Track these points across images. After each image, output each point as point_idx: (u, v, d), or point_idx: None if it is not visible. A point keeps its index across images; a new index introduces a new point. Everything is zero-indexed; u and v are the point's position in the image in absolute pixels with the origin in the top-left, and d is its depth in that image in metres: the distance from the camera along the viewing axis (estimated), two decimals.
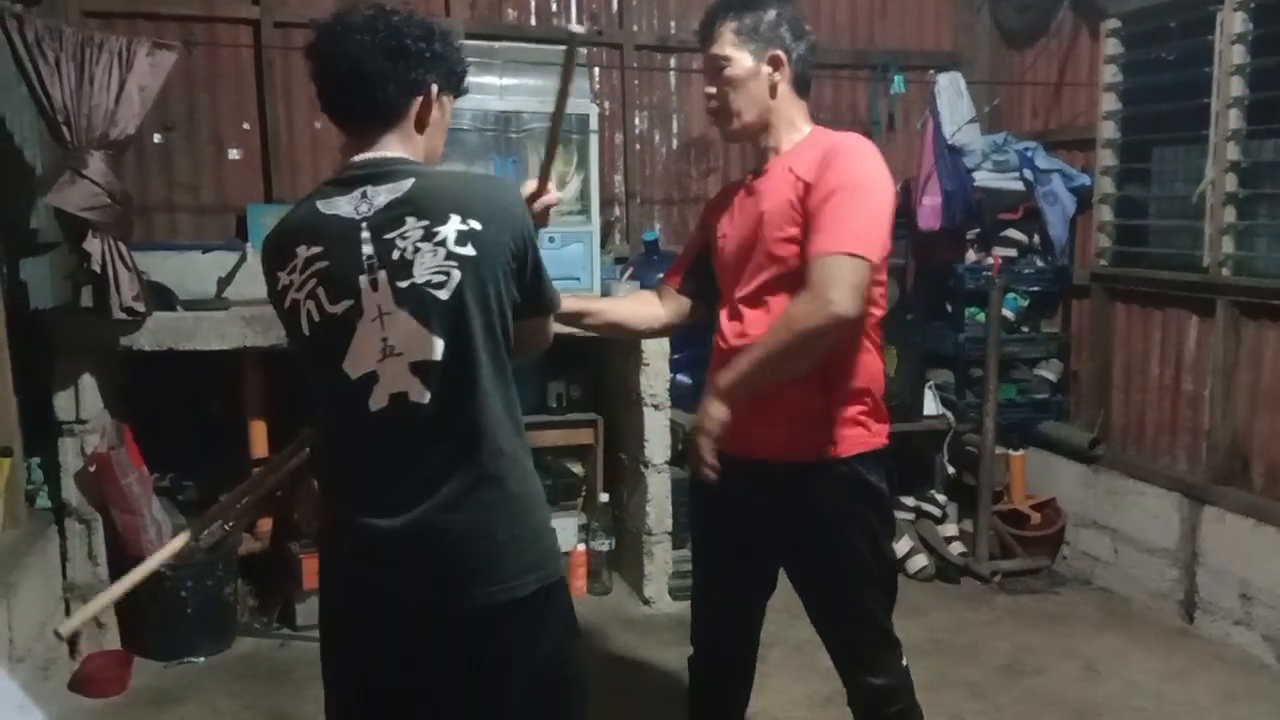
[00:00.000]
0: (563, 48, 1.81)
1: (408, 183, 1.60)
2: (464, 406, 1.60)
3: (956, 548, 4.18)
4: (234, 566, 3.52)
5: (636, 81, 4.47)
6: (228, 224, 3.99)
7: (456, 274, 1.56)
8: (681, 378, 4.08)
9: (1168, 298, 3.88)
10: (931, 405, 4.34)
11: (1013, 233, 4.45)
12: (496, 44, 3.88)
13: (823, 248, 1.90)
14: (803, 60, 2.11)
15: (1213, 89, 3.57)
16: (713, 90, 2.12)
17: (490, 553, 1.62)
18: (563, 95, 1.83)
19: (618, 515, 4.03)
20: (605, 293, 3.64)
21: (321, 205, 1.62)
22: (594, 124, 3.74)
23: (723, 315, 2.19)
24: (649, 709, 3.12)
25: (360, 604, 1.68)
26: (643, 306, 2.38)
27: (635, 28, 4.43)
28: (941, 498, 4.34)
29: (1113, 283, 4.15)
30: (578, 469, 3.99)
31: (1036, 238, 4.42)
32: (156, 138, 3.89)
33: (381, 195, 1.59)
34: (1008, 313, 4.30)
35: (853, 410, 2.05)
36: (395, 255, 1.56)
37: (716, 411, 1.95)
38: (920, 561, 4.13)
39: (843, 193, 1.93)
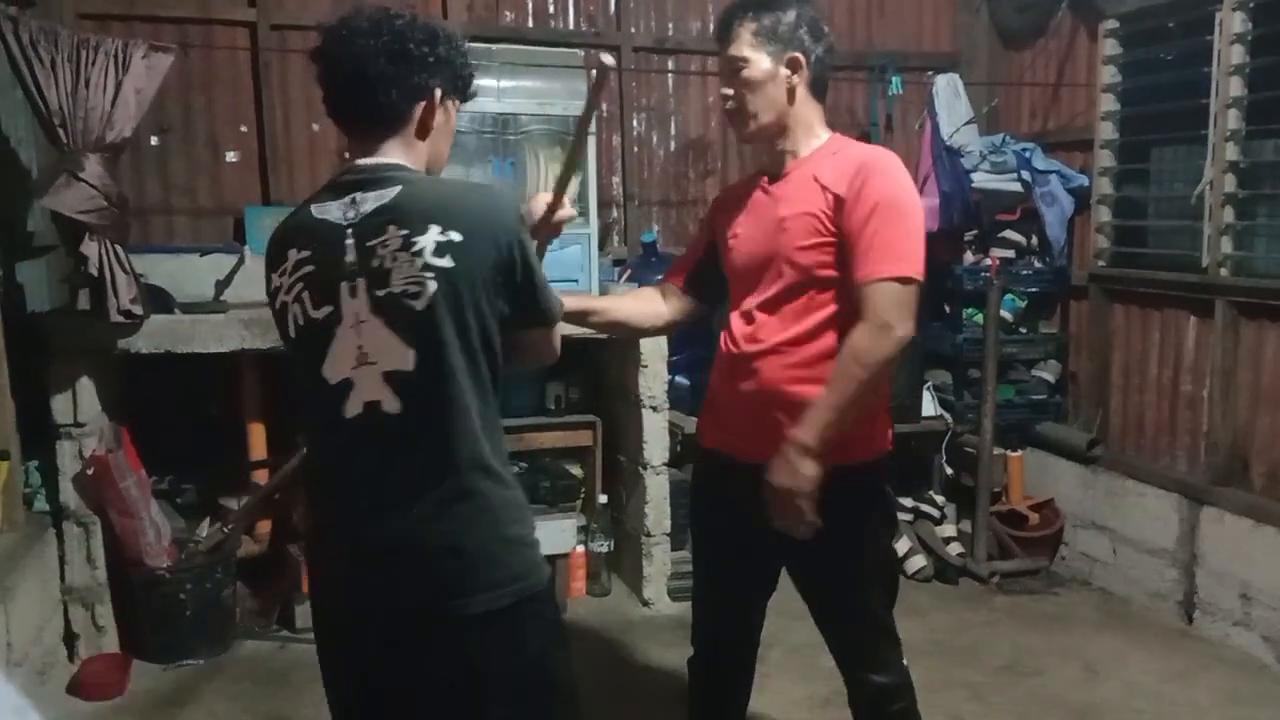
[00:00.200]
0: (578, 64, 1.83)
1: (394, 190, 1.59)
2: (436, 418, 1.58)
3: (955, 549, 4.18)
4: (233, 569, 3.51)
5: (634, 83, 4.47)
6: (225, 226, 3.98)
7: (432, 285, 1.54)
8: (680, 379, 4.08)
9: (1166, 298, 3.88)
10: (930, 406, 4.34)
11: (1011, 234, 4.45)
12: (494, 46, 3.87)
13: (872, 273, 1.93)
14: (821, 62, 2.09)
15: (1212, 89, 3.57)
16: (730, 92, 2.09)
17: (463, 566, 1.60)
18: (586, 120, 1.86)
19: (616, 517, 4.03)
20: (603, 294, 3.64)
21: (315, 209, 1.63)
22: (592, 126, 3.73)
23: (734, 318, 2.16)
24: (648, 710, 3.12)
25: (343, 605, 1.70)
26: (646, 304, 2.36)
27: (633, 30, 4.43)
28: (940, 499, 4.34)
29: (1111, 283, 4.15)
30: (576, 471, 3.98)
31: (1034, 239, 4.42)
32: (153, 140, 3.88)
33: (369, 202, 1.59)
34: (1006, 314, 4.30)
35: (860, 417, 2.03)
36: (375, 263, 1.56)
37: (809, 470, 1.92)
38: (919, 562, 4.12)
39: (883, 214, 1.95)
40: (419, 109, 1.65)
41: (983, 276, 4.19)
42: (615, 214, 4.46)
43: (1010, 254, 4.42)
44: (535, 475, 3.82)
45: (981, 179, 4.30)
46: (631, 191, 4.49)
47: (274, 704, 3.07)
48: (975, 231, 4.44)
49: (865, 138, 4.33)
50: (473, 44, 3.48)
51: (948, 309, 4.50)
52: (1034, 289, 4.39)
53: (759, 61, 2.05)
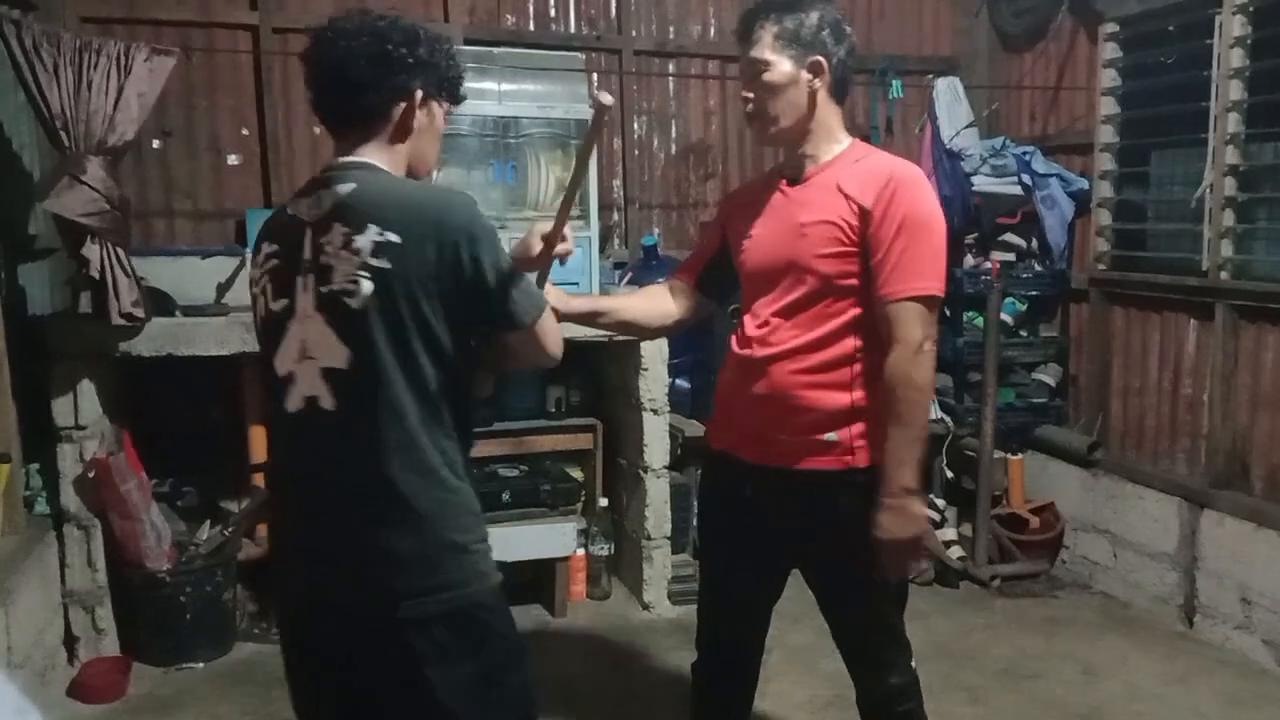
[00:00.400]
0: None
1: (348, 188, 1.61)
2: (369, 418, 1.58)
3: (955, 552, 4.18)
4: (233, 572, 3.51)
5: (635, 86, 4.48)
6: (227, 229, 3.99)
7: (367, 285, 1.55)
8: (681, 382, 4.09)
9: (1167, 301, 3.88)
10: (930, 410, 4.34)
11: (1011, 237, 4.45)
12: (495, 49, 3.88)
13: (900, 291, 1.96)
14: (843, 65, 2.07)
15: (1211, 92, 3.58)
16: (750, 95, 2.07)
17: (393, 569, 1.60)
18: (585, 154, 1.85)
19: (617, 520, 4.03)
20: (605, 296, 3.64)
21: (290, 206, 1.68)
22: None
23: (746, 320, 2.14)
24: (649, 714, 3.12)
25: (291, 602, 1.74)
26: (654, 303, 2.34)
27: (634, 33, 4.44)
28: (940, 502, 4.34)
29: (1111, 287, 4.15)
30: (577, 474, 3.98)
31: (1035, 242, 4.42)
32: (155, 143, 3.89)
33: (328, 199, 1.62)
34: (1006, 317, 4.30)
35: (873, 420, 2.04)
36: (322, 259, 1.59)
37: (919, 508, 1.99)
38: (919, 565, 4.12)
39: (912, 230, 1.96)
40: (398, 110, 1.66)
41: (983, 280, 4.20)
42: (616, 217, 4.47)
43: (1010, 257, 4.42)
44: (535, 478, 3.82)
45: (982, 182, 4.30)
46: (632, 195, 4.49)
47: (274, 707, 3.07)
48: (975, 235, 4.45)
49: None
50: (474, 47, 3.50)
51: (948, 312, 4.49)
52: (1034, 292, 4.39)
53: (780, 64, 2.02)
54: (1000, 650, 3.53)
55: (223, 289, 3.53)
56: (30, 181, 3.43)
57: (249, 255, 3.54)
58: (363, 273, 1.55)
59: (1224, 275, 3.60)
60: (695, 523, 3.99)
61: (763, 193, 2.18)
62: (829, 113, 2.09)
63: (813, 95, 2.05)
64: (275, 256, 1.66)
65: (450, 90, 1.74)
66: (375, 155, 1.67)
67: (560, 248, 1.81)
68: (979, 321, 4.27)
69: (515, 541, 3.64)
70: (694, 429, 4.00)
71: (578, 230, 3.69)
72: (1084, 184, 4.21)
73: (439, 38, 1.71)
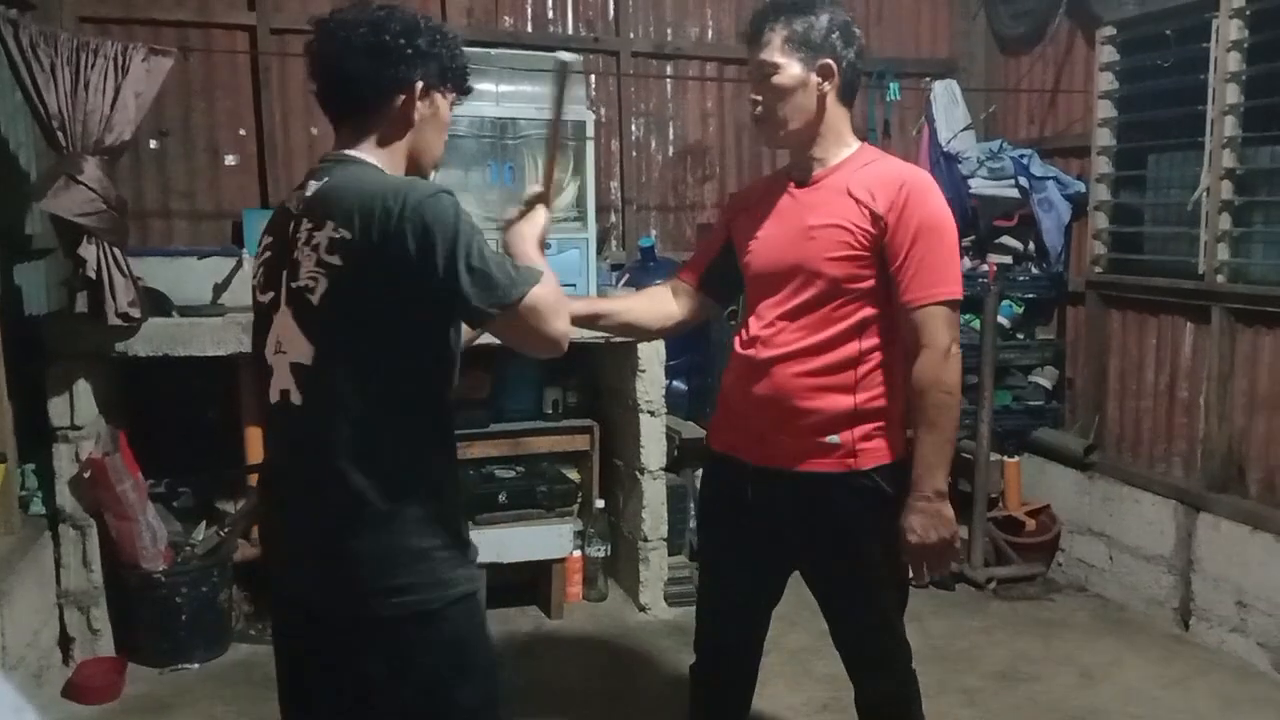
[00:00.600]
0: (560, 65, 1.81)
1: (322, 182, 1.61)
2: (330, 415, 1.58)
3: None
4: (229, 573, 3.50)
5: (633, 88, 4.48)
6: (223, 230, 3.98)
7: (324, 282, 1.55)
8: (678, 384, 4.09)
9: (1163, 305, 3.89)
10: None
11: (1008, 240, 4.46)
12: (493, 51, 3.88)
13: (924, 297, 1.98)
14: (852, 68, 2.07)
15: (1208, 96, 3.58)
16: (758, 97, 2.06)
17: (347, 569, 1.59)
18: (555, 121, 1.84)
19: (613, 521, 4.03)
20: (603, 297, 3.63)
21: (288, 198, 1.69)
22: (590, 130, 3.74)
23: (751, 321, 2.14)
24: (645, 716, 3.12)
25: (273, 595, 1.77)
26: (656, 305, 2.33)
27: (632, 35, 4.44)
28: None
29: (1108, 289, 4.15)
30: (573, 475, 3.98)
31: (1032, 245, 4.43)
32: (152, 143, 3.88)
33: (307, 192, 1.62)
34: (1003, 320, 4.31)
35: (876, 424, 2.05)
36: (294, 254, 1.59)
37: (949, 511, 2.02)
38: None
39: (928, 236, 1.98)
40: (396, 102, 1.64)
41: (980, 282, 4.20)
42: (613, 218, 4.47)
43: (1007, 260, 4.43)
44: (532, 479, 3.81)
45: (979, 185, 4.31)
46: (629, 196, 4.49)
47: (269, 708, 3.02)
48: (973, 237, 4.45)
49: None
50: (471, 48, 3.48)
51: None
52: (1031, 295, 4.40)
53: (790, 67, 2.02)
54: (997, 653, 3.53)
55: (219, 289, 3.53)
56: (27, 181, 3.43)
57: (246, 256, 3.57)
58: (319, 269, 1.55)
59: (1220, 279, 3.60)
60: (694, 524, 4.00)
61: (769, 194, 2.17)
62: (838, 115, 2.09)
63: (822, 98, 2.05)
64: (269, 249, 1.67)
65: (455, 81, 1.71)
66: (369, 148, 1.65)
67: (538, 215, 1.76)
68: (976, 324, 4.27)
69: (511, 543, 3.64)
70: (691, 431, 4.00)
71: (575, 233, 3.71)
72: (1081, 187, 4.21)
73: (440, 28, 1.69)
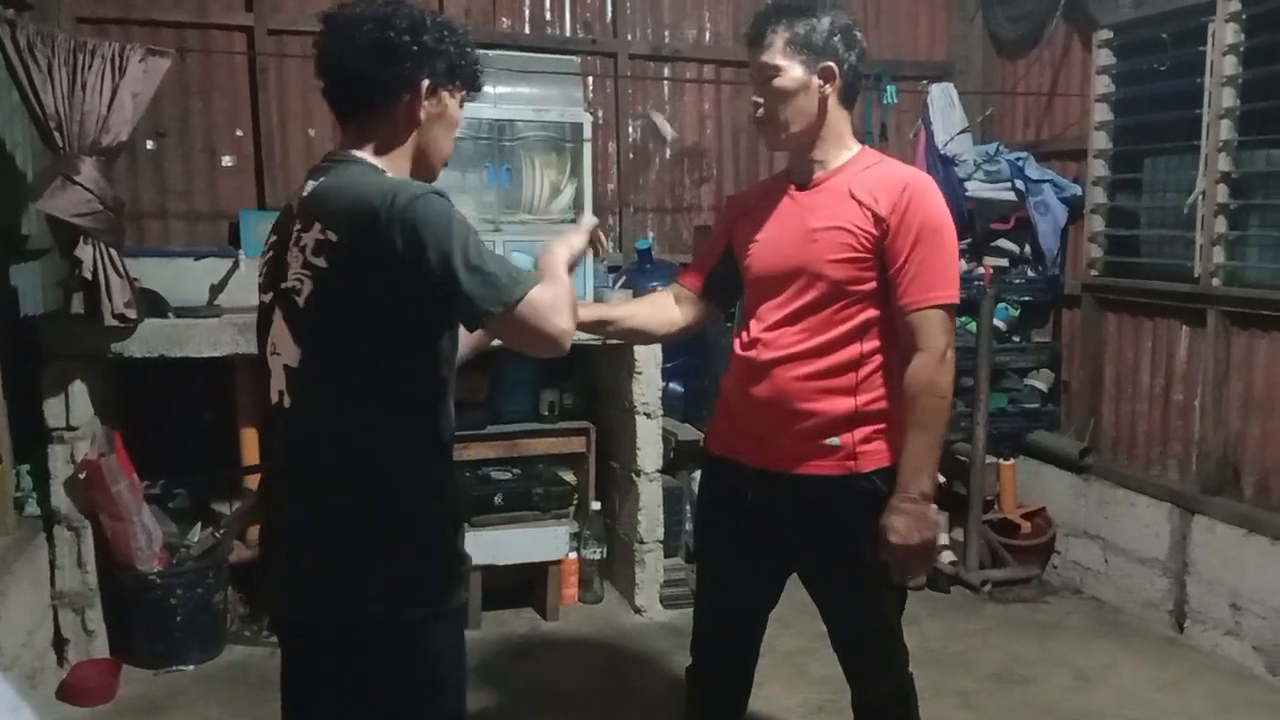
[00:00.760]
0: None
1: (316, 182, 1.59)
2: (318, 418, 1.56)
3: (947, 557, 4.18)
4: (224, 574, 3.50)
5: (630, 90, 4.48)
6: (220, 231, 3.98)
7: (309, 284, 1.52)
8: (674, 386, 4.09)
9: (1159, 308, 3.89)
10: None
11: (1004, 242, 4.46)
12: (490, 52, 3.87)
13: (922, 300, 1.99)
14: (853, 71, 2.07)
15: (1204, 100, 3.59)
16: (760, 100, 2.06)
17: (336, 574, 1.57)
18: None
19: (609, 523, 4.02)
20: (598, 300, 3.64)
21: (290, 198, 1.67)
22: (587, 132, 3.75)
23: (753, 324, 2.13)
24: (641, 718, 3.11)
25: (272, 593, 1.76)
26: (660, 311, 2.32)
27: (630, 37, 4.44)
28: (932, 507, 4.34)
29: (1104, 292, 4.16)
30: (570, 477, 3.98)
31: (1028, 247, 4.44)
32: (149, 144, 3.88)
33: (306, 192, 1.60)
34: (999, 322, 4.31)
35: (876, 426, 2.04)
36: (287, 255, 1.57)
37: (934, 513, 2.01)
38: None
39: (929, 239, 1.98)
40: (402, 101, 1.61)
41: (976, 285, 4.20)
42: (610, 220, 4.47)
43: (1003, 263, 4.44)
44: (528, 481, 3.81)
45: (975, 188, 4.31)
46: (627, 198, 4.50)
47: (264, 709, 3.05)
48: (969, 240, 4.45)
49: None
50: None
51: None
52: (1027, 298, 4.40)
53: (792, 70, 2.01)
54: (992, 655, 3.53)
55: (216, 290, 3.53)
56: (23, 182, 3.43)
57: (242, 257, 3.57)
58: (305, 271, 1.53)
59: (1216, 282, 3.61)
60: (690, 527, 4.00)
61: (769, 197, 2.17)
62: (839, 118, 2.09)
63: (824, 101, 2.05)
64: (271, 248, 1.65)
65: (464, 78, 1.67)
66: (373, 147, 1.62)
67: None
68: (972, 327, 4.27)
69: (507, 544, 3.64)
70: (687, 433, 4.00)
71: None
72: (1077, 190, 4.22)
73: (449, 23, 1.65)
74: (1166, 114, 3.80)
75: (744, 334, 2.15)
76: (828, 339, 2.03)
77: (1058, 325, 4.46)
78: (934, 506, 2.01)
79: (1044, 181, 4.24)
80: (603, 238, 1.98)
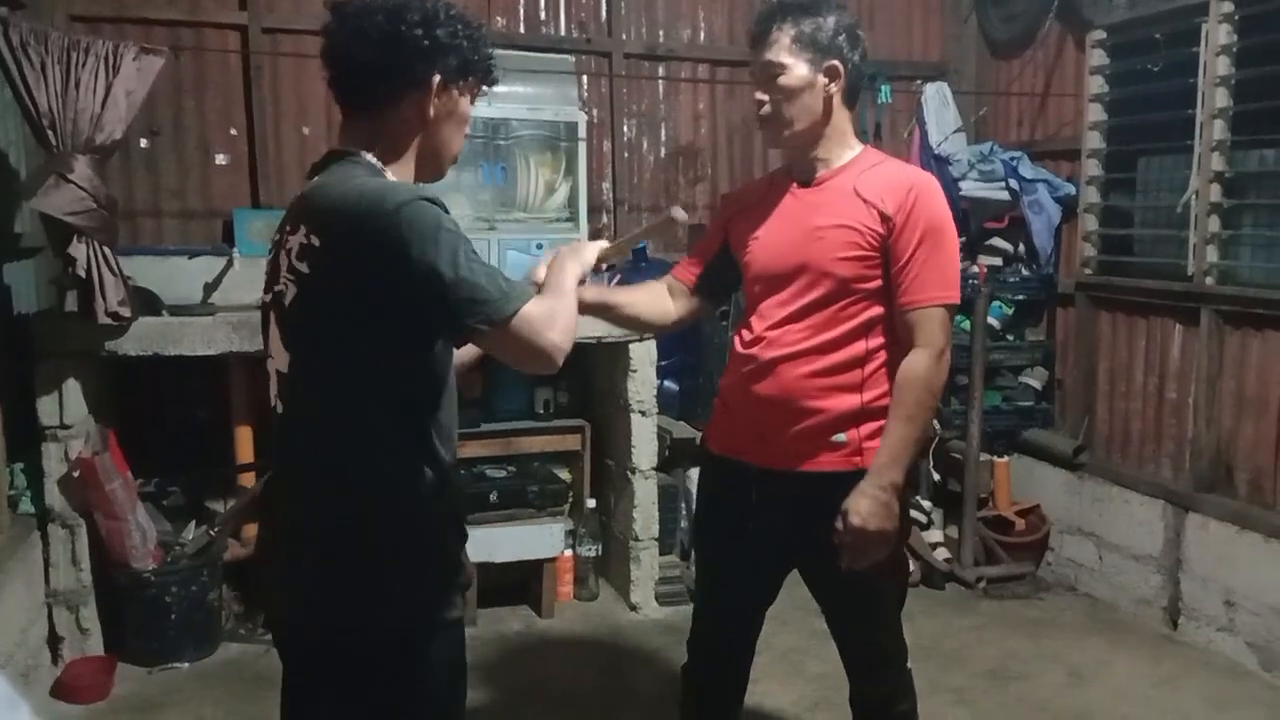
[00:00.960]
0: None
1: (313, 182, 1.54)
2: (310, 424, 1.52)
3: (942, 554, 4.19)
4: (219, 572, 3.49)
5: (625, 89, 4.48)
6: (214, 229, 3.97)
7: (293, 289, 1.48)
8: (669, 384, 4.09)
9: (1152, 306, 3.91)
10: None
11: (998, 241, 4.47)
12: None
13: (923, 299, 2.00)
14: (857, 70, 2.07)
15: (1198, 100, 3.60)
16: (764, 97, 2.05)
17: (326, 584, 1.52)
18: (639, 236, 2.04)
19: (605, 521, 4.03)
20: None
21: (297, 197, 1.60)
22: (582, 131, 3.75)
23: (754, 321, 2.13)
24: (636, 716, 3.12)
25: (268, 601, 1.74)
26: (656, 301, 2.31)
27: (624, 36, 4.44)
28: (927, 504, 4.35)
29: (1097, 291, 4.17)
30: (565, 475, 3.98)
31: (1022, 247, 4.45)
32: (143, 142, 3.87)
33: (303, 191, 1.56)
34: (993, 321, 4.32)
35: (881, 422, 2.04)
36: (279, 258, 1.52)
37: (897, 508, 2.01)
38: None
39: (933, 239, 2.00)
40: (411, 97, 1.54)
41: (970, 284, 4.21)
42: (605, 219, 4.47)
43: (998, 262, 4.45)
44: (523, 479, 3.81)
45: (969, 187, 4.32)
46: (621, 197, 4.50)
47: (259, 708, 3.06)
48: (963, 239, 4.46)
49: None
50: None
51: None
52: (1021, 296, 4.41)
53: (797, 68, 2.01)
54: (986, 652, 3.54)
55: (210, 289, 3.53)
56: (17, 180, 3.42)
57: (236, 255, 3.57)
58: (290, 276, 1.48)
59: (1209, 281, 3.62)
60: (687, 525, 4.01)
61: (769, 195, 2.17)
62: (842, 117, 2.09)
63: (828, 100, 2.05)
64: (275, 247, 1.58)
65: (478, 73, 1.60)
66: (377, 145, 1.55)
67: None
68: (966, 325, 4.28)
69: (502, 542, 3.64)
70: (682, 430, 4.01)
71: (566, 233, 3.72)
72: (1071, 189, 4.23)
73: (463, 17, 1.57)
74: (1160, 114, 3.81)
75: (745, 331, 2.15)
76: (833, 336, 2.03)
77: (1052, 324, 4.47)
78: (898, 502, 2.00)
79: (1038, 181, 4.25)
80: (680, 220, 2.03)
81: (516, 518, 3.73)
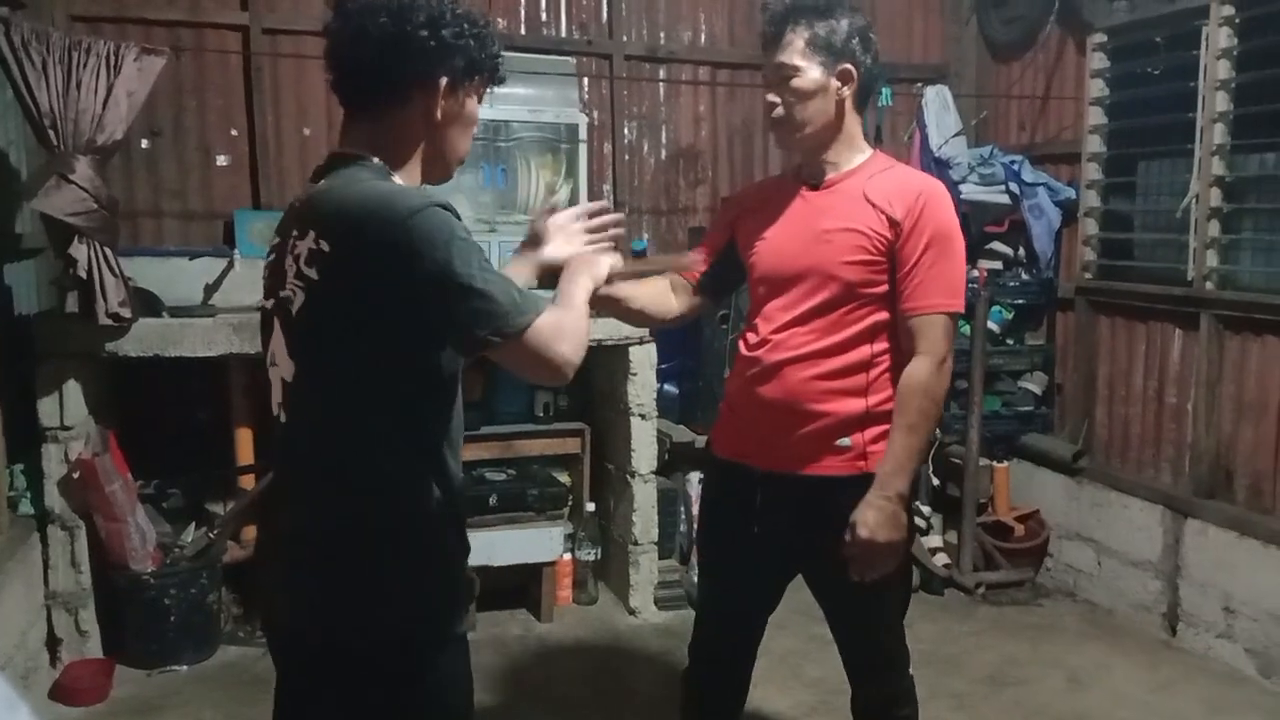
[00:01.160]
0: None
1: (320, 185, 1.50)
2: (316, 435, 1.49)
3: (941, 559, 4.19)
4: (218, 574, 3.49)
5: (625, 91, 4.48)
6: (215, 230, 3.97)
7: (301, 296, 1.44)
8: (669, 387, 4.09)
9: (1152, 311, 3.90)
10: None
11: (998, 245, 4.47)
12: None
13: (927, 306, 2.00)
14: (869, 74, 2.07)
15: (1198, 103, 3.60)
16: (776, 99, 2.04)
17: (325, 596, 1.50)
18: (647, 268, 2.06)
19: (604, 525, 4.02)
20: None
21: (296, 198, 1.57)
22: (583, 133, 3.75)
23: (759, 323, 2.12)
24: None
25: (265, 610, 1.72)
26: (660, 296, 2.29)
27: (625, 38, 4.44)
28: (926, 509, 4.35)
29: (1097, 296, 4.17)
30: (564, 478, 3.98)
31: (1022, 251, 4.44)
32: (144, 143, 3.86)
33: (307, 195, 1.51)
34: (993, 325, 4.32)
35: (885, 426, 2.04)
36: (284, 262, 1.49)
37: (905, 518, 2.01)
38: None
39: (940, 245, 2.00)
40: (416, 98, 1.50)
41: (970, 288, 4.20)
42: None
43: (998, 266, 4.45)
44: (523, 482, 3.81)
45: (970, 191, 4.32)
46: (622, 199, 4.49)
47: (257, 711, 3.03)
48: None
49: None
50: None
51: None
52: (1021, 301, 4.41)
53: (810, 71, 2.01)
54: (985, 657, 3.54)
55: (210, 290, 3.53)
56: (18, 180, 3.42)
57: (237, 256, 3.57)
58: (298, 282, 1.44)
59: (1209, 285, 3.62)
60: (686, 529, 4.00)
61: (777, 196, 2.16)
62: (853, 121, 2.09)
63: (840, 103, 2.05)
64: (274, 250, 1.55)
65: (485, 73, 1.56)
66: (382, 147, 1.51)
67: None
68: (966, 329, 4.27)
69: (502, 546, 3.64)
70: (682, 434, 4.01)
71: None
72: (1071, 193, 4.23)
73: (470, 16, 1.53)
74: (1160, 117, 3.82)
75: (751, 334, 2.15)
76: (839, 340, 2.03)
77: (1051, 328, 4.46)
78: (903, 513, 2.01)
79: (1038, 185, 4.25)
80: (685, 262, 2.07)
81: (516, 521, 3.73)
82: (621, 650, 3.58)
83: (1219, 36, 3.53)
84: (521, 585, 3.82)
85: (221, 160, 3.98)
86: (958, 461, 4.23)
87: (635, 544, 3.81)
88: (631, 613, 3.84)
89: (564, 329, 1.47)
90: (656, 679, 3.31)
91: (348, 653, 1.49)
